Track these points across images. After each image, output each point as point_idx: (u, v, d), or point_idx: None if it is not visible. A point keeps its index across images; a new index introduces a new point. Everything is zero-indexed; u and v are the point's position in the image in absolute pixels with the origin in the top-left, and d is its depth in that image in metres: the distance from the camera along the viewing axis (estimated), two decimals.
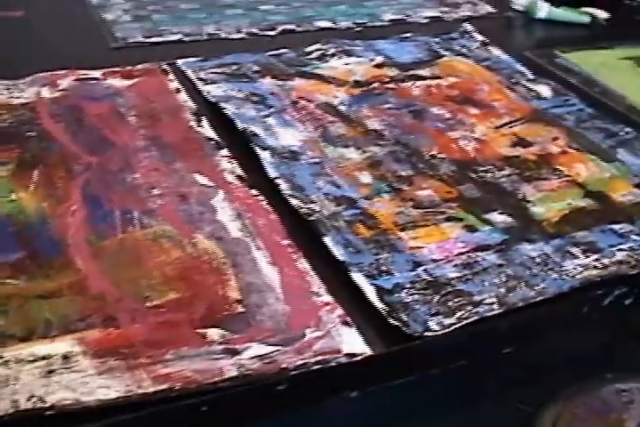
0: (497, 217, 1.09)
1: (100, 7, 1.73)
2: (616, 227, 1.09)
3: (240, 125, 1.24)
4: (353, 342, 0.86)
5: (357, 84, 1.42)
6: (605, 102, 1.45)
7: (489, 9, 1.88)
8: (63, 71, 1.39)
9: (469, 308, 0.92)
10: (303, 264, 0.97)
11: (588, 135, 1.32)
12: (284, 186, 1.10)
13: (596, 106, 1.42)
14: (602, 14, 1.87)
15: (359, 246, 1.00)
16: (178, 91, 1.36)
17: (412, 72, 1.48)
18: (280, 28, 1.67)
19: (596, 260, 1.02)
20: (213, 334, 0.86)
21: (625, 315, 1.83)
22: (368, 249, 1.00)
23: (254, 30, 1.66)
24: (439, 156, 1.22)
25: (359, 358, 0.85)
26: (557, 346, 1.65)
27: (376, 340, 0.88)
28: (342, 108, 1.34)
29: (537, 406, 1.18)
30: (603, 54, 1.67)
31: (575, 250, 1.04)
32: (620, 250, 1.05)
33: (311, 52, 1.53)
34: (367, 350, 0.86)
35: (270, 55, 1.51)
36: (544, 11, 1.82)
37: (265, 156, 1.17)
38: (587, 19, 1.84)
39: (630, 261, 1.02)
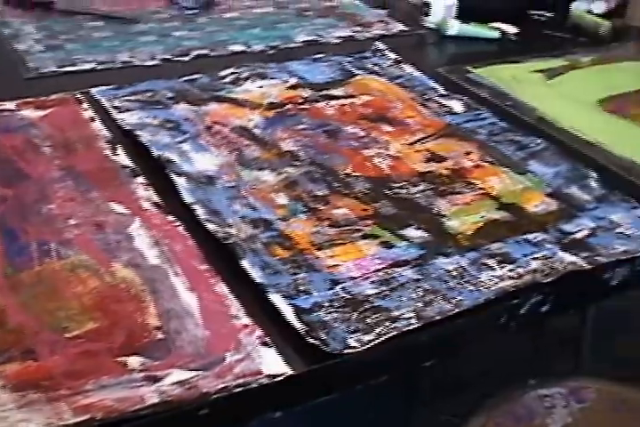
0: (413, 232, 1.11)
1: (12, 37, 1.72)
2: (530, 237, 1.11)
3: (155, 152, 1.24)
4: (273, 363, 0.87)
5: (271, 106, 1.43)
6: (516, 115, 1.48)
7: (401, 27, 1.91)
8: None
9: (388, 323, 0.93)
10: (221, 288, 0.97)
11: (501, 148, 1.34)
12: (200, 211, 1.11)
13: (508, 119, 1.45)
14: (511, 29, 1.90)
15: (277, 267, 1.01)
16: (92, 120, 1.36)
17: (325, 92, 1.50)
18: (194, 54, 1.68)
19: (511, 270, 1.04)
20: (133, 361, 0.86)
21: (546, 322, 1.87)
22: (286, 270, 1.01)
23: (168, 56, 1.66)
24: (354, 174, 1.24)
25: (280, 378, 0.86)
26: (480, 356, 1.68)
27: (297, 359, 0.89)
28: (257, 130, 1.35)
29: (462, 417, 1.20)
30: (513, 68, 1.70)
31: (490, 261, 1.06)
32: (535, 259, 1.07)
33: (225, 77, 1.54)
34: (287, 371, 0.86)
35: (184, 81, 1.52)
36: (455, 27, 1.85)
37: (181, 182, 1.17)
38: (497, 34, 1.87)
39: (544, 269, 1.04)
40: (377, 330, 0.92)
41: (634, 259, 1.09)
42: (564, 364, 1.93)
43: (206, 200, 1.14)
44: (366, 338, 0.91)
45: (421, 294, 0.99)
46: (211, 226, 1.07)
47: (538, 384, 1.22)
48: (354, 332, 0.92)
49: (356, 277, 1.00)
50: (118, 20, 1.85)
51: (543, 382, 1.23)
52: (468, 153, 1.32)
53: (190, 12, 1.93)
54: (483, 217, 1.15)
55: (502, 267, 1.05)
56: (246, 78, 1.54)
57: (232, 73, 1.55)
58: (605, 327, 1.99)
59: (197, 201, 1.13)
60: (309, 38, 1.79)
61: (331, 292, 0.98)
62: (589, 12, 1.99)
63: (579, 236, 1.12)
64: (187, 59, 1.66)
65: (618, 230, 1.14)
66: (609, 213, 1.17)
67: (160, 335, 0.90)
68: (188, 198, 1.13)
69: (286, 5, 2.01)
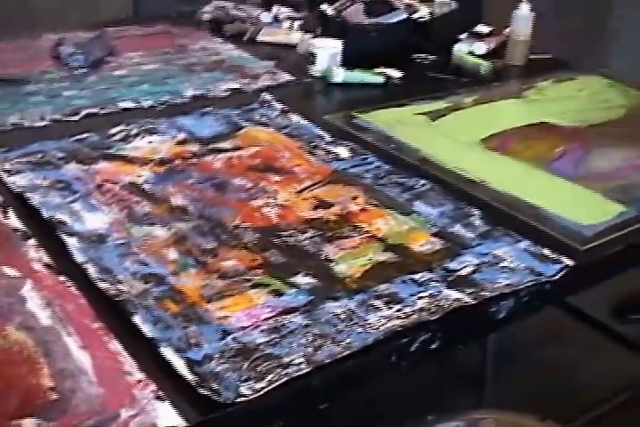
0: (302, 279, 1.14)
1: None
2: (416, 276, 1.15)
3: (46, 214, 1.26)
4: (167, 416, 0.89)
5: (161, 161, 1.46)
6: (401, 157, 1.53)
7: (288, 77, 1.95)
8: None
9: (279, 370, 0.96)
10: (114, 345, 0.99)
11: (386, 191, 1.38)
12: (91, 270, 1.12)
13: (393, 162, 1.50)
14: (396, 73, 1.96)
15: (168, 322, 1.03)
16: None
17: (213, 146, 1.53)
18: (84, 113, 1.69)
19: (399, 310, 1.08)
20: (28, 424, 0.87)
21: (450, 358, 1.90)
22: (177, 324, 1.03)
23: (58, 116, 1.67)
24: (242, 225, 1.26)
25: None
26: (381, 393, 1.70)
27: (190, 411, 0.90)
28: (147, 186, 1.37)
29: None
30: (398, 111, 1.75)
31: (378, 302, 1.09)
32: (421, 298, 1.10)
33: (115, 134, 1.56)
34: (182, 423, 0.88)
35: (74, 140, 1.53)
36: (340, 75, 1.89)
37: (72, 242, 1.19)
38: (381, 79, 1.92)
39: (430, 307, 1.08)
40: (268, 377, 0.95)
41: (518, 291, 1.14)
42: (466, 399, 1.95)
43: (97, 258, 1.15)
44: (258, 386, 0.93)
45: (311, 338, 1.01)
46: (102, 284, 1.09)
47: (436, 419, 1.25)
48: (245, 380, 0.94)
49: (246, 327, 1.03)
50: (8, 81, 1.86)
51: (441, 416, 1.25)
52: (354, 197, 1.36)
53: (79, 71, 1.94)
54: (370, 259, 1.19)
55: (390, 307, 1.08)
56: (136, 135, 1.56)
57: (122, 130, 1.57)
58: (506, 359, 2.03)
59: (89, 260, 1.15)
60: (198, 92, 1.82)
61: (222, 343, 1.00)
62: (471, 53, 2.06)
63: (463, 273, 1.16)
64: (76, 118, 1.68)
65: (502, 264, 1.18)
66: (493, 249, 1.22)
67: (54, 396, 0.91)
68: (79, 258, 1.15)
69: (174, 61, 2.04)
